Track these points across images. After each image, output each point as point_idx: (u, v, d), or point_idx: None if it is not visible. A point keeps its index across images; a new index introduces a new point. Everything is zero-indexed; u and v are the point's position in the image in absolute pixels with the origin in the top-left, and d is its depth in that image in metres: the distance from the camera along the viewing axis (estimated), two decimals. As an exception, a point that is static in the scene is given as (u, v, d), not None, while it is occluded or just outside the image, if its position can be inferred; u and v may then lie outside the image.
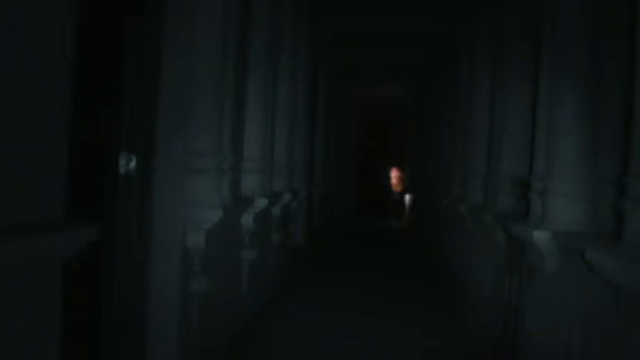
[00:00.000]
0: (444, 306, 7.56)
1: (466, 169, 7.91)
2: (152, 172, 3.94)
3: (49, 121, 2.32)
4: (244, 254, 5.79)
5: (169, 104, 4.01)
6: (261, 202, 5.82)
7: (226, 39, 4.50)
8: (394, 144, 23.92)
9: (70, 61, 2.44)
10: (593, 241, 3.39)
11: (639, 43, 2.86)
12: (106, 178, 3.46)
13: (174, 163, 4.04)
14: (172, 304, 4.01)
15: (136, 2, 3.71)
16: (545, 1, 4.49)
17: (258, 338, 5.80)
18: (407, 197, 19.52)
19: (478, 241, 6.87)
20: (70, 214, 2.51)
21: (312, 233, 12.07)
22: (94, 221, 2.61)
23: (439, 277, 9.40)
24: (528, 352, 4.58)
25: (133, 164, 3.71)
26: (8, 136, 2.08)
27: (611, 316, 3.11)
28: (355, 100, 21.67)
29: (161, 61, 3.97)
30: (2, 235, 1.96)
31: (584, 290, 3.58)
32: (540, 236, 4.06)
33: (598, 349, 3.34)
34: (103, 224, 2.97)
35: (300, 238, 10.55)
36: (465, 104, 8.32)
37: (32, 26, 2.18)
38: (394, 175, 22.86)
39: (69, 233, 2.30)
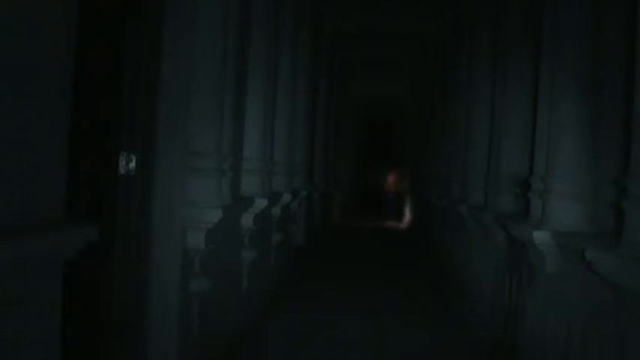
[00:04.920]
0: (445, 306, 7.56)
1: (466, 169, 7.91)
2: (152, 172, 3.94)
3: (49, 122, 2.32)
4: (244, 254, 5.79)
5: (169, 104, 4.01)
6: (261, 203, 5.82)
7: (226, 39, 4.50)
8: (394, 144, 23.92)
9: (70, 61, 2.44)
10: (594, 241, 3.38)
11: (639, 44, 2.86)
12: (105, 178, 3.46)
13: (174, 163, 4.04)
14: (172, 304, 4.01)
15: (136, 2, 3.71)
16: (546, 1, 4.49)
17: (258, 338, 5.80)
18: (407, 197, 19.51)
19: (478, 242, 6.87)
20: (70, 214, 2.51)
21: (312, 233, 12.07)
22: (93, 221, 2.61)
23: (439, 277, 9.40)
24: (528, 352, 4.58)
25: (132, 164, 3.71)
26: (8, 136, 2.08)
27: (611, 316, 3.11)
28: (355, 100, 21.68)
29: (161, 61, 3.97)
30: (2, 235, 1.96)
31: (584, 290, 3.58)
32: (540, 236, 4.06)
33: (598, 349, 3.34)
34: (102, 224, 2.97)
35: (300, 238, 10.54)
36: (465, 104, 8.32)
37: (32, 26, 2.18)
38: (391, 179, 22.84)
39: (69, 233, 2.30)
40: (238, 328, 5.74)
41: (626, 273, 2.68)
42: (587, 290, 3.52)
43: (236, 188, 5.51)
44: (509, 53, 5.86)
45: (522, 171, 5.49)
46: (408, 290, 8.58)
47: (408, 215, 18.93)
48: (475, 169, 7.36)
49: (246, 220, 5.66)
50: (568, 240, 3.77)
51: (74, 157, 2.62)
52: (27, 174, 2.19)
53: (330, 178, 15.96)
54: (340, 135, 18.73)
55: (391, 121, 24.01)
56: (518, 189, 5.55)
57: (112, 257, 3.56)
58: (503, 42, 6.09)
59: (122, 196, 3.62)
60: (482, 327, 6.20)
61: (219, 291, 4.78)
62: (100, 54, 3.31)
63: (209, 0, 4.25)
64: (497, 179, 5.97)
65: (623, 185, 2.94)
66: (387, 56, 15.81)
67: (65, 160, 2.44)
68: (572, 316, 3.76)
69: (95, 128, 3.28)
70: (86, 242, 2.41)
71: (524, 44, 5.61)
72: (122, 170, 3.63)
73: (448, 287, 8.53)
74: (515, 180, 5.70)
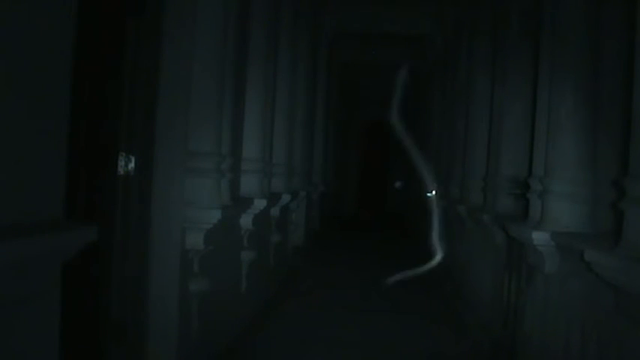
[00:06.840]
0: (444, 306, 7.56)
1: (465, 170, 7.91)
2: (151, 172, 3.94)
3: (48, 122, 2.32)
4: (243, 255, 5.79)
5: (169, 105, 4.01)
6: (260, 203, 5.82)
7: (225, 40, 4.50)
8: (394, 144, 23.90)
9: (69, 61, 2.44)
10: (593, 241, 3.39)
11: (639, 43, 2.86)
12: (105, 179, 3.46)
13: (174, 163, 4.03)
14: (172, 305, 4.01)
15: (136, 1, 3.70)
16: (545, 1, 4.50)
17: (258, 339, 5.80)
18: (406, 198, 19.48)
19: (477, 242, 6.87)
20: (69, 215, 2.51)
21: (311, 234, 12.07)
22: (93, 221, 2.61)
23: (439, 278, 9.39)
24: (528, 353, 4.58)
25: (132, 165, 3.71)
26: (8, 137, 2.08)
27: (611, 316, 3.11)
28: (355, 100, 21.67)
29: (160, 62, 3.97)
30: (2, 235, 1.96)
31: (584, 291, 3.58)
32: (539, 237, 4.06)
33: (597, 350, 3.34)
34: (102, 225, 2.97)
35: (299, 238, 10.54)
36: (465, 105, 8.32)
37: (30, 26, 2.18)
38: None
39: (69, 233, 2.30)
40: (238, 328, 5.74)
41: (624, 274, 2.69)
42: (586, 291, 3.53)
43: (235, 189, 5.51)
44: (509, 53, 5.87)
45: (521, 171, 5.49)
46: (407, 292, 8.56)
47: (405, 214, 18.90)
48: (474, 169, 7.37)
49: (246, 221, 5.66)
50: (567, 241, 3.77)
51: (73, 157, 2.62)
52: (27, 174, 2.19)
53: (330, 179, 15.96)
54: (339, 136, 18.73)
55: (391, 120, 23.98)
56: (518, 189, 5.55)
57: (112, 258, 3.55)
58: (503, 42, 6.09)
59: (121, 197, 3.62)
60: (481, 327, 6.21)
61: (218, 291, 4.78)
62: (99, 53, 3.30)
63: (208, 1, 4.25)
64: (497, 180, 5.98)
65: (622, 186, 2.94)
66: (386, 56, 15.80)
67: (64, 161, 2.44)
68: (571, 317, 3.76)
69: (94, 129, 3.28)
70: (86, 242, 2.41)
71: (523, 44, 5.62)
72: (121, 171, 3.62)
73: (448, 287, 8.52)
74: (514, 180, 5.70)
